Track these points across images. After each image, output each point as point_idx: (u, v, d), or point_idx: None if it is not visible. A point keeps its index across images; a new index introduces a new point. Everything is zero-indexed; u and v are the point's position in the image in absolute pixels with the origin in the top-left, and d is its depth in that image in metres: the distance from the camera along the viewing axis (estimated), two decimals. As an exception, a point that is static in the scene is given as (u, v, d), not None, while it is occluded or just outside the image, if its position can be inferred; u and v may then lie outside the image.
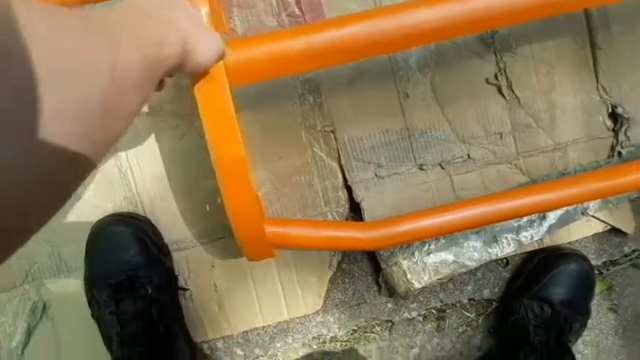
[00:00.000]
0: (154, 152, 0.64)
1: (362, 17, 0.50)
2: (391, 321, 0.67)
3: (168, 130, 0.63)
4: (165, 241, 0.64)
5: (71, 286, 0.64)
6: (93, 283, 0.60)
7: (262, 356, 0.66)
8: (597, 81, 0.65)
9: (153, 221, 0.64)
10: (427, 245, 0.63)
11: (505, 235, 0.64)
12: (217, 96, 0.46)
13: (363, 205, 0.63)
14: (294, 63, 0.49)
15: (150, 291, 0.57)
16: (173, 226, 0.64)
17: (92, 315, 0.61)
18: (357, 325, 0.66)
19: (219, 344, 0.65)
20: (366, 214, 0.63)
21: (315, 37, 0.49)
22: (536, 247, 0.66)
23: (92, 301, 0.60)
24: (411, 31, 0.50)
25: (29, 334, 0.64)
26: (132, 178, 0.64)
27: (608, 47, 0.64)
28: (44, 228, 0.63)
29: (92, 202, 0.63)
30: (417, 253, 0.63)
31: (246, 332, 0.65)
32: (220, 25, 0.60)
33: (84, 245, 0.61)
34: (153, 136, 0.63)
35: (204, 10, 0.45)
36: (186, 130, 0.63)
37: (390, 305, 0.66)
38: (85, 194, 0.63)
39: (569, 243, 0.66)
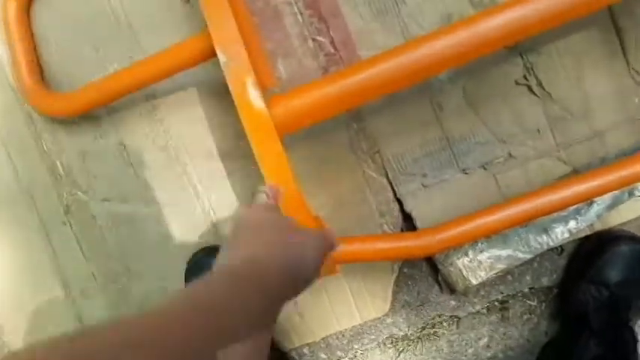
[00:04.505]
0: (229, 191, 0.74)
1: (388, 56, 0.56)
2: (457, 316, 0.72)
3: (237, 170, 0.73)
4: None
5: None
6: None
7: (344, 357, 0.74)
8: (628, 64, 0.67)
9: (235, 250, 0.74)
10: (479, 243, 0.68)
11: (554, 226, 0.67)
12: (270, 147, 0.55)
13: (414, 214, 0.70)
14: (333, 106, 0.57)
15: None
16: (252, 252, 0.74)
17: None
18: (424, 322, 0.73)
19: (305, 350, 0.74)
20: (418, 222, 0.70)
21: (347, 81, 0.57)
22: (588, 233, 0.68)
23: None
24: (437, 59, 0.55)
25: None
26: (213, 216, 0.74)
27: (633, 28, 0.66)
28: (153, 269, 0.77)
29: (185, 242, 0.75)
30: (470, 252, 0.68)
31: (326, 337, 0.74)
32: (268, 81, 0.69)
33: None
34: (226, 177, 0.74)
35: (250, 81, 0.54)
36: (252, 169, 0.73)
37: (453, 302, 0.72)
38: (178, 236, 0.75)
39: (621, 225, 0.68)
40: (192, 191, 0.74)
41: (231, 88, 0.55)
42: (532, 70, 0.68)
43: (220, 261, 0.37)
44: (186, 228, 0.75)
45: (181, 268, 0.73)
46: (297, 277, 0.37)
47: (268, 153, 0.55)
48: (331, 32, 0.71)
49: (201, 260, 0.72)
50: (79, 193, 0.76)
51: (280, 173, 0.55)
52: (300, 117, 0.57)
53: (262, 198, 0.49)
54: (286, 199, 0.56)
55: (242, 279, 0.32)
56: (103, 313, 0.77)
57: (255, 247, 0.36)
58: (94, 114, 0.75)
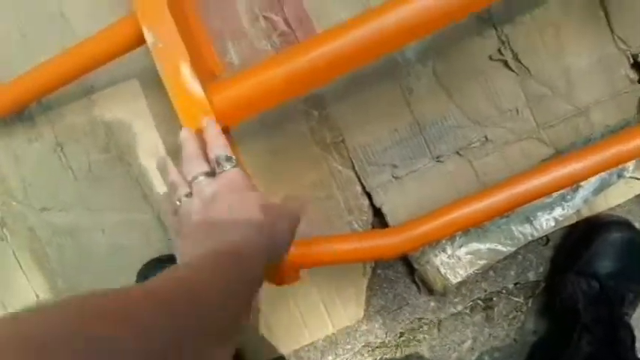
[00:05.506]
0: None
1: (342, 30, 0.49)
2: (438, 318, 0.66)
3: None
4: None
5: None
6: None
7: (317, 370, 0.68)
8: (612, 32, 0.60)
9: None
10: (457, 238, 0.62)
11: (538, 214, 0.61)
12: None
13: (384, 209, 0.63)
14: (284, 91, 0.50)
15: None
16: (210, 259, 0.67)
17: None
18: (403, 327, 0.66)
19: (275, 365, 0.67)
20: (389, 218, 0.63)
21: (297, 61, 0.49)
22: (575, 220, 0.62)
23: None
24: (398, 30, 0.48)
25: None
26: (166, 222, 0.67)
27: (617, -8, 0.60)
28: (102, 284, 0.69)
29: (135, 252, 0.67)
30: (448, 248, 0.62)
31: (297, 350, 0.67)
32: (216, 67, 0.62)
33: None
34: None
35: (185, 64, 0.47)
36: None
37: (433, 303, 0.66)
38: (127, 246, 0.68)
39: (610, 210, 0.62)
40: (140, 194, 0.67)
41: (161, 74, 0.48)
42: (507, 42, 0.62)
43: (192, 249, 0.36)
44: (135, 236, 0.67)
45: (132, 282, 0.65)
46: (272, 255, 0.38)
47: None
48: (284, 7, 0.64)
49: (153, 272, 0.65)
50: (14, 203, 0.68)
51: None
52: (246, 105, 0.49)
53: (190, 144, 0.44)
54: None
55: (224, 264, 0.33)
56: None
57: (230, 233, 0.36)
58: (27, 113, 0.67)
